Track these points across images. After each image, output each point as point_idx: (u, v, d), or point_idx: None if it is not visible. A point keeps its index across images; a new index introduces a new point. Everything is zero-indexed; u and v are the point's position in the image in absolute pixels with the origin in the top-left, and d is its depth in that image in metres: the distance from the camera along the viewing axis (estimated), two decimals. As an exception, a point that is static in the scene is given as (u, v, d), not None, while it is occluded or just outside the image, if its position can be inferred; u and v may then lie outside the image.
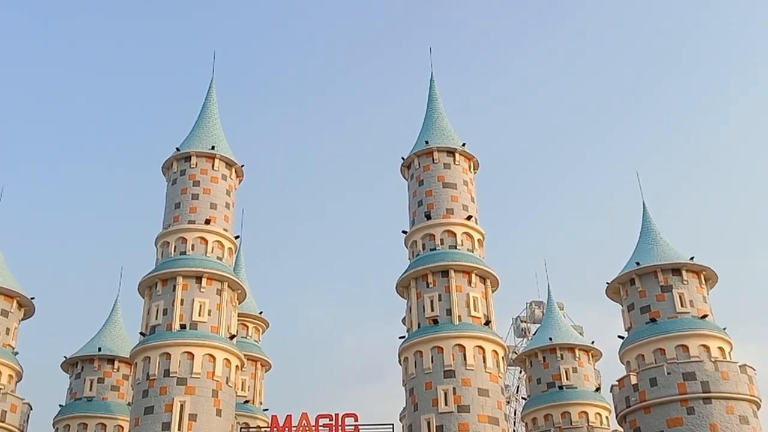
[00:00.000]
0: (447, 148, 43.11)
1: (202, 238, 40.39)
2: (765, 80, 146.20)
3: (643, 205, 43.65)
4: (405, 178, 44.49)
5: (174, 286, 38.76)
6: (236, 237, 42.41)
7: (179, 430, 35.33)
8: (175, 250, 40.10)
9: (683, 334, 37.78)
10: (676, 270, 39.69)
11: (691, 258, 39.97)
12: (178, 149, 43.11)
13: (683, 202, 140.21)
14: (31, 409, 40.23)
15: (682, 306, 38.77)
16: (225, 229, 41.46)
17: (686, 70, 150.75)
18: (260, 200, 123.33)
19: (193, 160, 42.43)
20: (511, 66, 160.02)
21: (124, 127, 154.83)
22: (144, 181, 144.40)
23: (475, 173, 44.07)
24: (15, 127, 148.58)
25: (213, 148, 42.92)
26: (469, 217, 41.35)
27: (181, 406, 35.83)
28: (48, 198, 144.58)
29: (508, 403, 72.41)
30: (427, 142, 43.45)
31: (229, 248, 41.42)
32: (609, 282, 41.28)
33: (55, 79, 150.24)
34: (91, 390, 45.63)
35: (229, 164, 43.36)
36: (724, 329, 38.84)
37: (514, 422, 71.55)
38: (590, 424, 44.44)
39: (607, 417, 45.37)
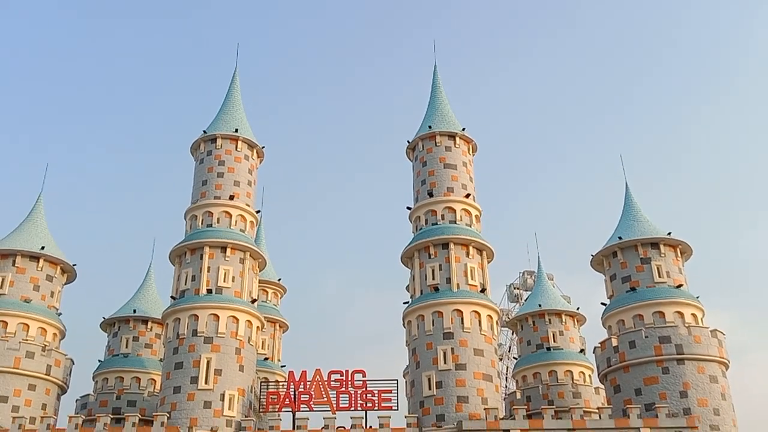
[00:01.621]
0: (448, 132, 42.95)
1: (227, 212, 40.49)
2: (743, 69, 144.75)
3: (626, 185, 43.49)
4: (410, 160, 44.37)
5: (201, 255, 38.93)
6: (257, 212, 42.50)
7: (206, 383, 35.70)
8: (202, 223, 40.24)
9: (660, 302, 37.74)
10: (654, 244, 39.58)
11: (669, 233, 39.84)
12: (204, 132, 43.09)
13: (663, 183, 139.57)
14: (73, 364, 40.60)
15: (659, 276, 38.71)
16: (247, 205, 41.55)
17: (669, 60, 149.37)
18: (279, 179, 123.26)
19: (219, 141, 42.40)
20: (508, 58, 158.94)
21: (159, 112, 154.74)
22: (174, 160, 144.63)
23: (473, 155, 43.92)
24: (61, 111, 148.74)
25: (236, 131, 42.88)
26: (467, 195, 41.28)
27: (208, 362, 36.15)
28: (89, 174, 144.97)
29: (501, 360, 72.69)
30: (430, 127, 43.30)
31: (251, 221, 41.53)
32: (594, 254, 41.21)
33: (97, 71, 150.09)
34: (126, 347, 46.00)
35: (251, 146, 43.32)
36: (697, 298, 38.80)
37: (506, 378, 71.83)
38: (575, 381, 44.58)
39: (590, 375, 45.52)
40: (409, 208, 42.38)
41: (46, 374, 37.64)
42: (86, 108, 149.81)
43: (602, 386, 41.07)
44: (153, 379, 44.81)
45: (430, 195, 41.19)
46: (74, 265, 41.76)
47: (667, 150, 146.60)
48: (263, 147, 44.02)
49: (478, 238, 39.76)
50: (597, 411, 36.88)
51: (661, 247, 39.43)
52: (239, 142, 42.65)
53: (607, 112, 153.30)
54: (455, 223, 40.13)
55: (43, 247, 40.25)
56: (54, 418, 36.35)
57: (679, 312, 37.54)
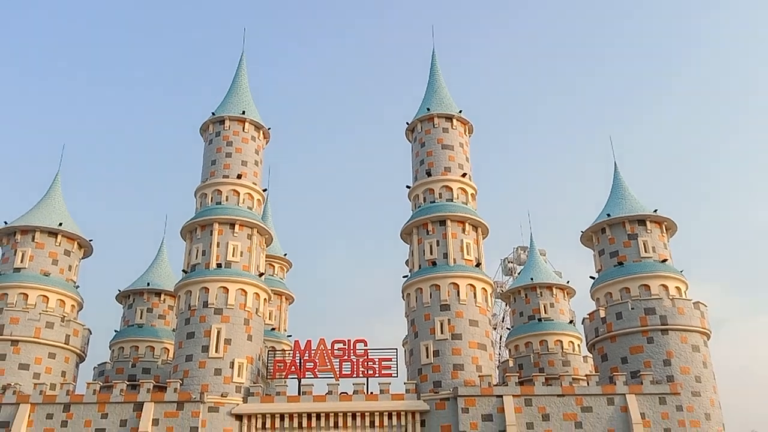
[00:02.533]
0: (446, 114, 42.72)
1: (235, 191, 40.43)
2: (727, 50, 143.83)
3: (615, 164, 43.34)
4: (409, 141, 44.19)
5: (211, 231, 38.94)
6: (264, 190, 42.43)
7: (216, 352, 35.91)
8: (211, 201, 40.20)
9: (646, 276, 37.81)
10: (641, 221, 39.55)
11: (655, 210, 39.79)
12: (213, 114, 42.87)
13: (650, 162, 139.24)
14: (91, 333, 40.80)
15: (645, 251, 38.73)
16: (254, 183, 41.45)
17: (654, 42, 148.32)
18: (285, 159, 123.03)
19: (227, 123, 42.20)
20: (501, 42, 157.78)
21: (170, 94, 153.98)
22: (185, 141, 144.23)
23: (469, 136, 43.73)
24: (78, 91, 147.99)
25: (244, 113, 42.65)
26: (464, 175, 41.17)
27: (218, 332, 36.33)
28: (105, 154, 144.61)
29: (495, 329, 73.01)
30: (428, 109, 43.05)
31: (258, 199, 41.48)
32: (583, 231, 41.20)
33: (112, 53, 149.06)
34: (141, 318, 46.17)
35: (258, 127, 43.12)
36: (681, 272, 38.85)
37: (500, 347, 72.18)
38: (564, 350, 44.82)
39: (578, 345, 45.75)
40: (408, 187, 42.30)
41: (65, 343, 37.85)
42: (101, 87, 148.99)
43: (590, 355, 41.34)
44: (166, 348, 45.06)
45: (429, 174, 41.09)
46: (90, 240, 41.80)
47: (654, 132, 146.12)
48: (269, 128, 43.83)
49: (474, 216, 39.74)
50: (585, 378, 37.14)
51: (648, 223, 39.41)
52: (246, 124, 42.46)
53: (597, 94, 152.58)
54: (452, 201, 40.07)
55: (60, 224, 40.25)
56: (73, 384, 36.60)
57: (663, 285, 37.59)
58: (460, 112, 43.09)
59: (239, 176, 40.76)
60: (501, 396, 34.45)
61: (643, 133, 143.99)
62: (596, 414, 34.13)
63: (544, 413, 34.15)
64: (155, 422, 34.15)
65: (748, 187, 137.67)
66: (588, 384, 35.26)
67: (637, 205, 40.31)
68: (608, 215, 40.00)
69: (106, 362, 44.41)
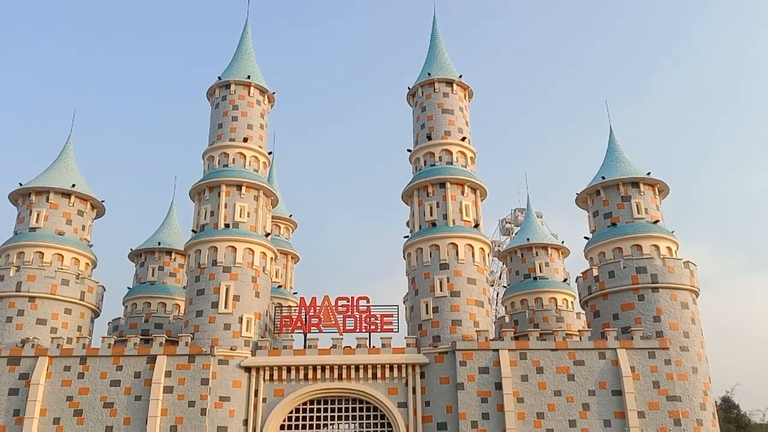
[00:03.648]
0: (446, 79, 42.27)
1: (241, 153, 40.28)
2: (724, 14, 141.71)
3: (610, 128, 43.03)
4: (410, 105, 43.83)
5: (219, 193, 38.93)
6: (269, 153, 42.26)
7: (225, 308, 36.24)
8: (218, 163, 40.09)
9: (638, 236, 37.85)
10: (634, 183, 39.43)
11: (648, 173, 39.64)
12: (219, 78, 42.47)
13: (644, 126, 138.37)
14: (105, 290, 41.05)
15: (638, 213, 38.70)
16: (260, 146, 41.27)
17: (654, 9, 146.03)
18: (290, 123, 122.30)
19: (232, 87, 41.83)
20: (501, 10, 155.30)
21: (178, 59, 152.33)
22: (193, 106, 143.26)
23: (469, 101, 43.35)
24: (89, 54, 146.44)
25: (249, 77, 42.24)
26: (463, 138, 40.93)
27: (227, 289, 36.60)
28: (115, 119, 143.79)
29: (492, 286, 73.44)
30: (429, 74, 42.59)
31: (264, 162, 41.35)
32: (578, 193, 41.13)
33: (122, 18, 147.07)
34: (153, 276, 46.47)
35: (263, 91, 42.75)
36: (672, 232, 38.90)
37: (496, 303, 72.70)
38: (558, 307, 45.15)
39: (572, 302, 46.08)
40: (409, 151, 42.10)
41: (80, 300, 38.17)
42: (111, 57, 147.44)
43: (583, 312, 41.67)
44: (177, 304, 45.44)
45: (429, 138, 40.86)
46: (103, 201, 41.83)
47: (648, 96, 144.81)
48: (274, 93, 43.48)
49: (473, 178, 39.65)
50: (578, 333, 37.50)
51: (641, 185, 39.30)
52: (251, 88, 42.08)
53: (595, 60, 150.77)
54: (452, 164, 39.93)
55: (74, 185, 40.22)
56: (89, 338, 36.98)
57: (655, 245, 37.69)
58: (460, 77, 42.63)
59: (245, 139, 40.57)
60: (497, 350, 34.83)
61: (638, 98, 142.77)
62: (588, 367, 34.54)
63: (538, 366, 34.57)
64: (168, 374, 34.65)
65: (740, 153, 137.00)
66: (580, 339, 35.60)
67: (631, 168, 40.14)
68: (603, 177, 39.86)
69: (119, 318, 44.86)
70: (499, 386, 34.01)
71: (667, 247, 37.99)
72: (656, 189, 39.81)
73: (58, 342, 35.62)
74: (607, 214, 39.36)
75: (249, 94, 41.94)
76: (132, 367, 34.96)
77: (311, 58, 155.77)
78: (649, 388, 34.14)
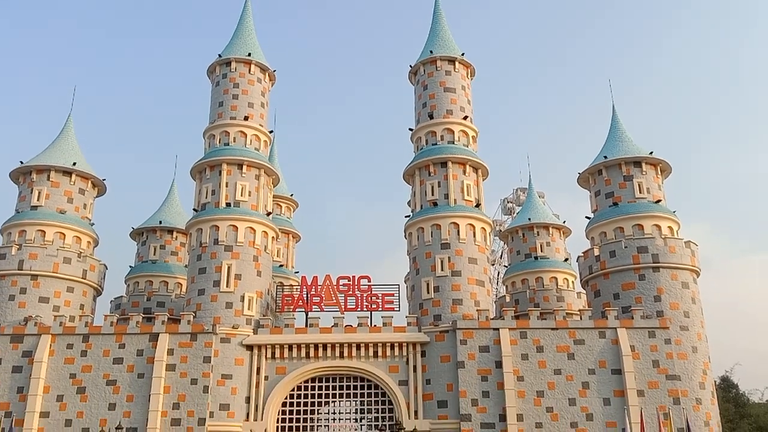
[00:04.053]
0: (448, 57, 41.85)
1: (242, 132, 40.05)
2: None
3: (613, 107, 42.67)
4: (412, 84, 43.46)
5: (220, 172, 38.78)
6: (270, 132, 42.03)
7: (227, 286, 36.29)
8: (219, 142, 39.88)
9: (640, 216, 37.72)
10: (637, 162, 39.20)
11: (650, 153, 39.40)
12: (220, 56, 42.07)
13: (647, 105, 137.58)
14: (107, 269, 41.11)
15: (640, 192, 38.52)
16: (261, 125, 41.03)
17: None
18: (290, 102, 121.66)
19: (233, 65, 41.45)
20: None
21: (179, 36, 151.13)
22: (193, 84, 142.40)
23: (471, 79, 42.97)
24: (90, 31, 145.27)
25: (249, 54, 41.84)
26: (465, 117, 40.65)
27: (228, 267, 36.61)
28: (115, 97, 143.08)
29: (493, 265, 73.47)
30: (431, 52, 42.17)
31: (265, 141, 41.13)
32: (580, 172, 40.93)
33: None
34: (154, 255, 46.44)
35: (263, 69, 42.37)
36: (674, 212, 38.77)
37: (497, 283, 72.82)
38: (559, 287, 45.17)
39: (573, 282, 46.09)
40: (411, 129, 41.84)
41: (82, 278, 38.20)
42: (112, 35, 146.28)
43: (584, 291, 41.69)
44: (179, 283, 45.49)
45: (431, 117, 40.57)
46: (104, 179, 41.70)
47: (651, 75, 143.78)
48: (275, 70, 43.11)
49: (475, 157, 39.43)
50: (578, 313, 37.55)
51: (643, 165, 39.07)
52: (252, 66, 41.70)
53: (597, 38, 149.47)
54: (453, 143, 39.69)
55: (74, 163, 40.06)
56: (91, 317, 37.11)
57: (656, 225, 37.57)
58: (463, 54, 42.22)
59: (246, 118, 40.31)
60: (497, 329, 34.91)
61: (642, 77, 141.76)
62: (588, 346, 34.64)
63: (539, 345, 34.67)
64: (170, 352, 34.80)
65: (742, 133, 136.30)
66: (581, 318, 35.67)
67: (634, 147, 39.91)
68: (605, 157, 39.65)
69: (122, 296, 44.95)
70: (499, 365, 34.14)
71: (669, 227, 37.88)
72: (658, 168, 39.60)
73: (61, 320, 35.72)
74: (609, 194, 39.20)
75: (249, 72, 41.58)
76: (134, 345, 35.09)
77: (312, 37, 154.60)
78: (649, 367, 34.27)
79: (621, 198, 38.69)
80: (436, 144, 39.80)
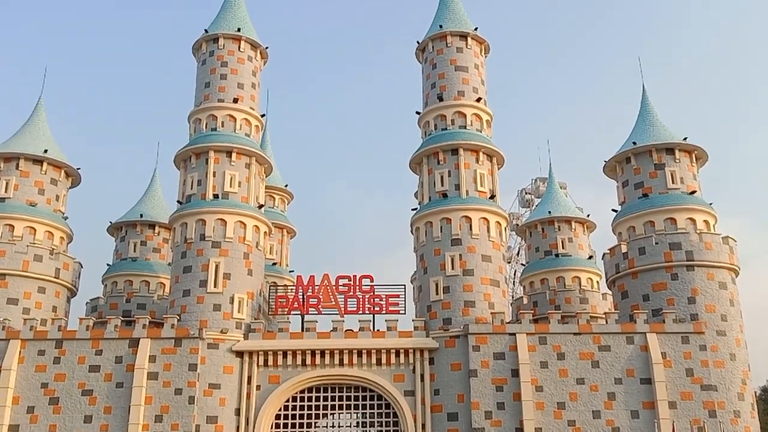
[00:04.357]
0: (460, 32, 41.71)
1: (231, 116, 40.02)
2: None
3: (643, 88, 42.48)
4: (419, 62, 43.33)
5: (207, 160, 38.78)
6: (262, 115, 41.99)
7: (215, 287, 36.33)
8: (206, 127, 39.86)
9: (672, 208, 37.60)
10: (669, 149, 39.05)
11: (684, 138, 39.25)
12: (206, 31, 42.01)
13: (681, 87, 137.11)
14: (82, 267, 41.21)
15: (672, 183, 38.38)
16: (252, 108, 40.99)
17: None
18: (284, 82, 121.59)
19: (221, 41, 41.38)
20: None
21: (161, 10, 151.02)
22: (177, 62, 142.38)
23: (485, 57, 42.82)
24: (59, 9, 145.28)
25: (239, 30, 41.77)
26: (478, 99, 40.53)
27: (216, 266, 36.64)
28: (91, 77, 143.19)
29: (509, 263, 73.40)
30: (441, 27, 42.03)
31: (256, 126, 41.10)
32: (607, 160, 40.81)
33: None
34: (135, 252, 46.54)
35: (254, 46, 42.29)
36: (710, 204, 38.64)
37: (513, 283, 72.84)
38: (582, 287, 45.11)
39: (597, 282, 46.06)
40: (418, 113, 41.74)
41: (55, 277, 38.28)
42: (85, 8, 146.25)
43: (610, 292, 41.64)
44: (162, 283, 45.59)
45: (440, 99, 40.47)
46: (78, 168, 41.73)
47: (686, 52, 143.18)
48: (267, 47, 43.01)
49: (489, 144, 39.33)
50: (604, 316, 37.51)
51: (676, 152, 38.93)
52: (242, 42, 41.63)
53: (625, 14, 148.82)
54: (465, 128, 39.60)
55: (46, 150, 40.10)
56: (65, 320, 37.17)
57: (691, 218, 37.46)
58: (476, 29, 42.07)
59: (235, 100, 40.28)
60: (514, 334, 34.90)
61: (675, 56, 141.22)
62: (614, 353, 34.62)
63: (560, 352, 34.66)
64: (152, 359, 34.85)
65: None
66: (606, 322, 35.62)
67: (666, 132, 39.77)
68: (634, 143, 39.52)
69: (98, 297, 45.06)
70: (516, 373, 34.14)
71: (704, 221, 37.76)
72: (693, 156, 39.44)
73: (32, 324, 35.79)
74: (638, 184, 39.08)
75: (239, 49, 41.51)
76: (113, 352, 35.16)
77: (308, 11, 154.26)
78: (682, 377, 34.22)
79: (651, 189, 38.55)
80: (446, 129, 39.73)
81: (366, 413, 36.05)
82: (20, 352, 35.12)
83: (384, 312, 37.01)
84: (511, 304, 47.03)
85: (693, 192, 38.39)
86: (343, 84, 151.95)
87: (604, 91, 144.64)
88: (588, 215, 48.58)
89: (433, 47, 41.96)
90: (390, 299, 37.13)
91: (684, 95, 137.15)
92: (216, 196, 38.11)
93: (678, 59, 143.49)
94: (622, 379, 34.20)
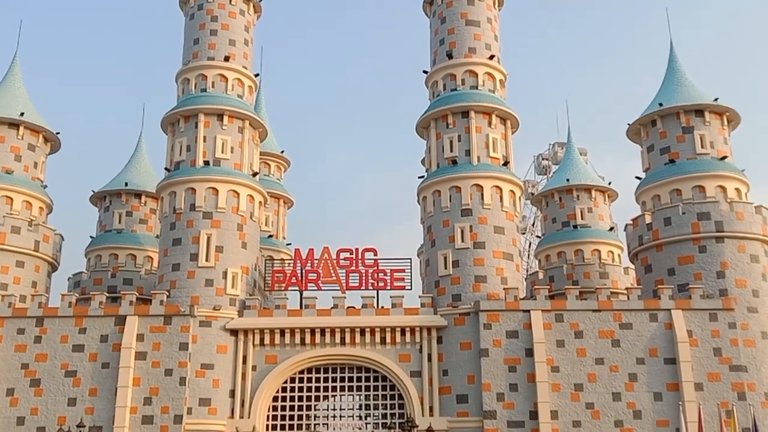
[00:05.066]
0: (470, -19, 41.34)
1: (222, 76, 39.95)
2: None
3: (671, 44, 42.23)
4: (427, 16, 43.08)
5: (196, 123, 38.80)
6: (256, 75, 41.89)
7: (207, 260, 36.57)
8: (195, 87, 39.81)
9: (701, 175, 37.58)
10: (698, 111, 38.92)
11: (715, 99, 39.09)
12: (194, -18, 41.71)
13: (712, 42, 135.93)
14: (63, 239, 41.45)
15: (702, 147, 38.32)
16: (244, 67, 40.88)
17: None
18: (279, 38, 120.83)
19: (211, -7, 41.14)
20: None
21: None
22: (164, 16, 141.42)
23: (499, 10, 42.51)
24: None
25: (230, -20, 41.47)
26: (491, 57, 40.32)
27: (208, 238, 36.85)
28: (70, 32, 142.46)
29: (523, 234, 73.39)
30: (450, -24, 41.66)
31: (249, 86, 41.02)
32: (630, 123, 40.70)
33: None
34: (120, 223, 46.77)
35: (247, -1, 42.06)
36: (743, 171, 38.60)
37: (528, 256, 73.08)
38: (602, 261, 45.28)
39: (619, 255, 46.22)
40: (425, 72, 41.60)
41: (34, 250, 38.54)
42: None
43: (632, 266, 41.84)
44: (150, 257, 45.87)
45: (450, 57, 40.27)
46: (57, 133, 41.77)
47: (718, 4, 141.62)
48: (260, 0, 42.75)
49: (502, 106, 39.24)
50: (625, 292, 37.74)
51: (706, 114, 38.82)
52: (234, -6, 41.36)
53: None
54: (477, 88, 39.48)
55: (22, 113, 40.12)
56: (45, 296, 37.56)
57: (721, 186, 37.47)
58: (488, -21, 41.68)
59: (227, 58, 40.16)
60: (528, 311, 35.12)
61: (705, 8, 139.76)
62: (636, 331, 34.85)
63: (577, 330, 34.90)
64: (140, 338, 35.23)
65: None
66: (628, 298, 35.82)
67: (695, 92, 39.62)
68: (660, 104, 39.39)
69: (81, 272, 45.39)
70: (530, 353, 34.42)
71: (736, 189, 37.79)
72: (724, 118, 39.34)
73: (10, 300, 36.14)
74: (665, 149, 39.02)
75: (231, 3, 41.30)
76: (97, 330, 35.52)
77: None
78: (709, 356, 34.47)
79: (679, 154, 38.51)
80: (455, 89, 39.62)
81: (369, 395, 36.43)
82: (-1, 330, 35.50)
83: (388, 288, 37.25)
84: (525, 279, 47.13)
85: (724, 157, 38.32)
86: (345, 42, 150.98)
87: (629, 48, 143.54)
88: (609, 183, 48.62)
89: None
90: (395, 274, 37.35)
91: (715, 52, 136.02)
92: (207, 163, 38.17)
93: (709, 11, 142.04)
94: (645, 359, 34.47)
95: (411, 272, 37.52)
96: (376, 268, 37.59)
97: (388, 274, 37.40)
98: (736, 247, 36.17)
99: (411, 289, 37.49)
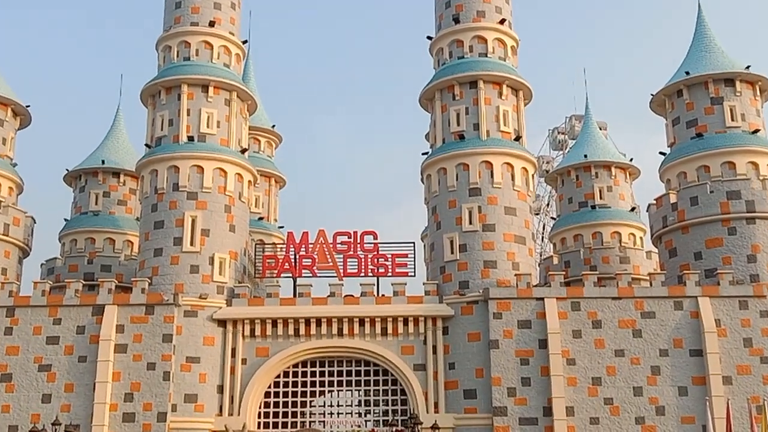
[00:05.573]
0: (479, -62, 41.05)
1: (207, 43, 39.75)
2: None
3: (699, 6, 42.04)
4: (431, -24, 42.80)
5: (179, 95, 38.66)
6: (244, 42, 41.70)
7: (191, 245, 36.54)
8: (177, 56, 39.61)
9: (731, 150, 37.50)
10: (728, 80, 38.78)
11: (747, 67, 38.95)
12: (175, -60, 41.38)
13: (743, 4, 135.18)
14: (35, 222, 41.39)
15: (732, 120, 38.23)
16: (231, 33, 40.69)
17: None
18: (269, 1, 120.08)
19: (193, -48, 40.82)
20: None
21: None
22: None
23: (510, -31, 42.21)
24: None
25: (215, -62, 41.14)
26: (502, 21, 40.12)
27: (193, 220, 36.81)
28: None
29: (537, 215, 73.36)
30: (456, -67, 41.34)
31: (237, 54, 40.83)
32: (654, 93, 40.56)
33: None
34: (96, 204, 46.65)
35: (234, -43, 41.75)
36: (777, 146, 38.51)
37: (542, 239, 73.11)
38: (622, 244, 45.24)
39: (641, 237, 46.23)
40: (429, 38, 41.44)
41: (3, 234, 38.48)
42: None
43: (655, 250, 41.82)
44: (129, 241, 45.83)
45: (456, 21, 40.06)
46: (27, 106, 41.66)
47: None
48: (249, -40, 42.47)
49: (514, 75, 39.11)
50: (648, 278, 37.77)
51: (737, 83, 38.71)
52: (218, -48, 41.05)
53: None
54: (486, 56, 39.33)
55: (-12, 85, 40.01)
56: (17, 283, 37.59)
57: (753, 162, 37.41)
58: (499, -64, 41.34)
59: (212, 23, 39.97)
60: (542, 299, 35.18)
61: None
62: (660, 321, 34.91)
63: (595, 319, 34.95)
64: (120, 329, 35.29)
65: None
66: (651, 285, 35.85)
67: (725, 60, 39.49)
68: (687, 73, 39.27)
69: (55, 258, 45.41)
70: (544, 344, 34.49)
71: (769, 165, 37.70)
72: (757, 88, 39.32)
73: (-22, 288, 36.15)
74: (692, 122, 38.93)
75: (216, -38, 40.98)
76: (73, 320, 35.58)
77: None
78: (739, 347, 34.53)
79: (707, 127, 38.42)
80: (463, 57, 39.47)
81: (369, 390, 36.53)
82: (-34, 321, 35.56)
83: (390, 274, 37.31)
84: (539, 265, 47.20)
85: (756, 131, 38.25)
86: (341, 4, 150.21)
87: (653, 10, 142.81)
88: (631, 159, 48.53)
89: (447, -42, 41.38)
90: (397, 259, 37.40)
91: (748, 15, 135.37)
92: (191, 139, 38.04)
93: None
94: (669, 350, 34.54)
95: (414, 257, 37.63)
96: (376, 252, 37.63)
97: (390, 260, 37.44)
98: (769, 228, 36.12)
99: (414, 275, 37.61)
